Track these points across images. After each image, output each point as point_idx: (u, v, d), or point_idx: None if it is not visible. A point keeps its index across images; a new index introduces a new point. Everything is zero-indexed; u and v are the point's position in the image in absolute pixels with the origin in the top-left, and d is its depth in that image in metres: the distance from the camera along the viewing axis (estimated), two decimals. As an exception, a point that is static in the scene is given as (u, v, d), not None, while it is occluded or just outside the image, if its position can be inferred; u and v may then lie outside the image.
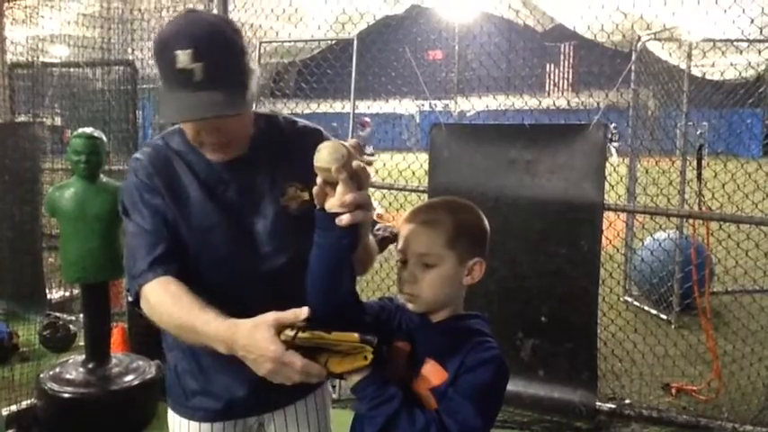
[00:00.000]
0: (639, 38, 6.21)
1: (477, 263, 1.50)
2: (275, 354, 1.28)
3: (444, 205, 1.55)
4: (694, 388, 4.39)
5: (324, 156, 1.31)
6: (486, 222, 1.54)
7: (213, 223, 1.63)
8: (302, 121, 1.77)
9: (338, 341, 1.33)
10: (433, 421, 1.37)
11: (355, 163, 1.32)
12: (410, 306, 1.49)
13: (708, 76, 7.94)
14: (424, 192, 4.55)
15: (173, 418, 1.83)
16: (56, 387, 3.72)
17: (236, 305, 1.44)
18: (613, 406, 4.11)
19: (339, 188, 1.32)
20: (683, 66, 6.25)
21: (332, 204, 1.34)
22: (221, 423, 1.77)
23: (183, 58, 1.40)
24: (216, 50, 1.44)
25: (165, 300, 1.51)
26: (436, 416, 1.38)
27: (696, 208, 4.58)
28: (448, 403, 1.39)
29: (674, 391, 4.39)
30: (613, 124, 12.68)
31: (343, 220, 1.33)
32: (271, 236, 1.65)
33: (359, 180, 1.33)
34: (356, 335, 1.33)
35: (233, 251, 1.64)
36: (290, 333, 1.31)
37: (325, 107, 6.43)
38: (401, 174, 5.61)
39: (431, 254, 1.45)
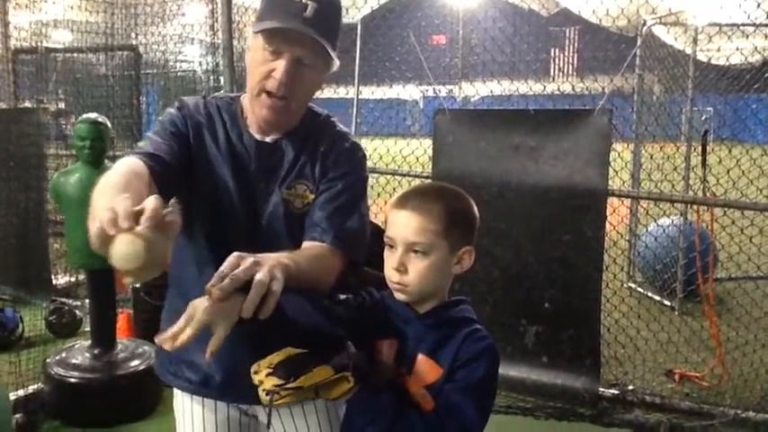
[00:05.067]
0: (645, 22, 6.17)
1: (467, 251, 1.45)
2: None
3: (436, 191, 1.49)
4: (697, 374, 4.40)
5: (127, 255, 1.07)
6: (476, 209, 1.49)
7: (226, 185, 1.65)
8: (342, 128, 1.78)
9: (315, 383, 1.28)
10: (431, 425, 1.33)
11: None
12: (399, 296, 1.43)
13: (713, 61, 7.89)
14: (427, 177, 4.54)
15: (175, 391, 1.87)
16: (62, 372, 3.75)
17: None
18: (616, 392, 4.12)
19: None
20: (689, 50, 6.22)
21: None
22: (209, 401, 1.78)
23: None
24: (330, 3, 1.57)
25: (113, 171, 1.38)
26: (435, 418, 1.34)
27: (700, 194, 4.57)
28: (446, 401, 1.34)
29: (677, 377, 4.40)
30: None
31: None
32: (269, 221, 1.66)
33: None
34: (329, 369, 1.28)
35: (233, 218, 1.66)
36: (266, 398, 1.27)
37: (328, 92, 6.41)
38: (405, 159, 5.60)
39: (423, 242, 1.39)
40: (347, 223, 1.63)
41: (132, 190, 1.21)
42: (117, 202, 1.08)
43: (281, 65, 1.54)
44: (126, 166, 1.41)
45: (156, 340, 1.20)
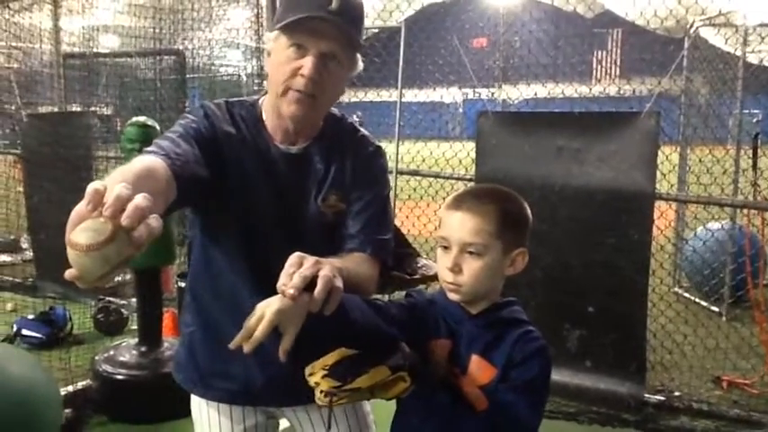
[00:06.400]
0: (693, 23, 6.06)
1: (521, 253, 1.46)
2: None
3: (490, 193, 1.50)
4: (746, 381, 4.30)
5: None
6: (529, 211, 1.49)
7: (260, 197, 1.62)
8: (363, 131, 1.75)
9: (373, 384, 1.27)
10: (485, 424, 1.34)
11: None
12: (453, 296, 1.44)
13: (765, 63, 7.71)
14: (470, 180, 4.54)
15: (193, 400, 1.89)
16: (110, 369, 3.83)
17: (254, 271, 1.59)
18: (662, 398, 4.05)
19: None
20: (739, 52, 6.09)
21: None
22: (239, 408, 1.79)
23: None
24: (355, 0, 1.54)
25: (127, 166, 1.27)
26: (488, 417, 1.35)
27: (750, 197, 4.47)
28: (500, 401, 1.36)
29: (725, 384, 4.31)
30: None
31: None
32: (307, 232, 1.64)
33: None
34: (386, 369, 1.27)
35: (270, 230, 1.63)
36: (325, 400, 1.25)
37: (371, 95, 6.46)
38: (448, 162, 5.60)
39: (478, 243, 1.40)
40: (381, 233, 1.65)
41: (147, 190, 1.01)
42: (116, 189, 0.97)
43: (308, 61, 1.49)
44: (143, 165, 1.28)
45: (231, 346, 1.23)
